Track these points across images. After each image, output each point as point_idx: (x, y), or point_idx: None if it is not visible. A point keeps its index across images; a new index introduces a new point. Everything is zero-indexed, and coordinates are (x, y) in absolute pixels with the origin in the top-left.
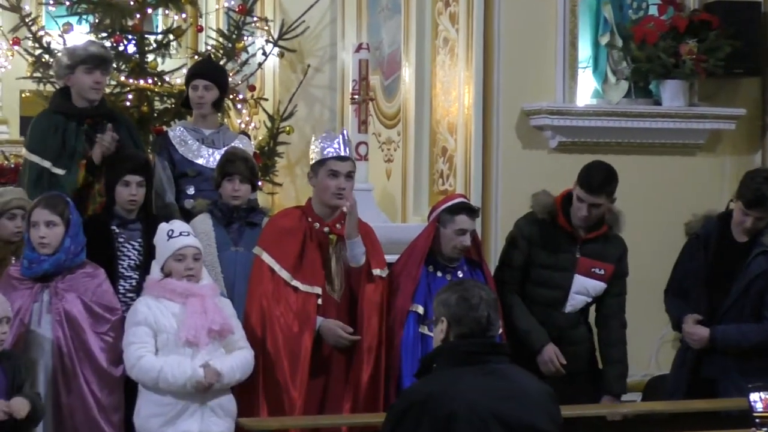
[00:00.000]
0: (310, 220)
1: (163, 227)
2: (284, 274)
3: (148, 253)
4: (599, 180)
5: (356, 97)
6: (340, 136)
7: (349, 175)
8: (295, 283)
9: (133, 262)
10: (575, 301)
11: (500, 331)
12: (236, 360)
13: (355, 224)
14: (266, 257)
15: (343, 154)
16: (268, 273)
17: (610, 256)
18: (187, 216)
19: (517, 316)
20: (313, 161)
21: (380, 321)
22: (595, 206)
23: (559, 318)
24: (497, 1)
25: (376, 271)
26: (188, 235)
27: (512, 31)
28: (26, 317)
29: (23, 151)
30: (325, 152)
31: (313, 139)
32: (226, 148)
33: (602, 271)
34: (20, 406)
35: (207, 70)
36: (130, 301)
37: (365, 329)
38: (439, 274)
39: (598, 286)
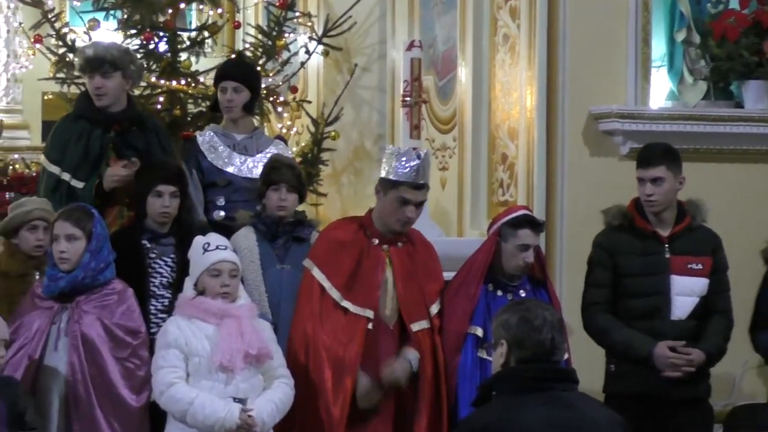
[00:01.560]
0: (368, 234)
1: (198, 240)
2: (334, 294)
3: (182, 270)
4: (654, 150)
5: (408, 99)
6: (421, 161)
7: (420, 205)
8: (345, 304)
9: (165, 279)
10: (680, 303)
11: (567, 356)
12: (277, 401)
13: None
14: (317, 273)
15: (420, 181)
16: (318, 291)
17: (703, 249)
18: (218, 230)
19: (613, 332)
20: (384, 177)
21: (433, 366)
22: (657, 181)
23: (665, 327)
24: None
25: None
26: (225, 249)
27: (579, 26)
28: (42, 340)
29: (41, 158)
30: (401, 174)
31: (389, 148)
32: (259, 154)
33: (700, 266)
34: None
35: (236, 70)
36: (161, 323)
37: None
38: (500, 293)
39: (700, 282)
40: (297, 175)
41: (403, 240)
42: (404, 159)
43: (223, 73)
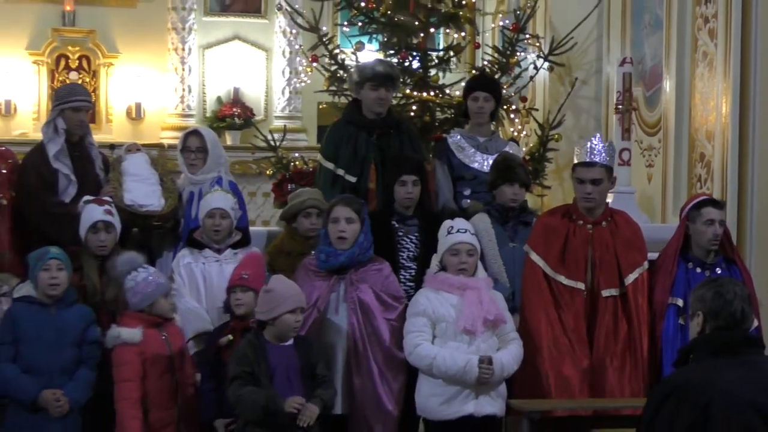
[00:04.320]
0: (574, 218)
1: (446, 223)
2: (549, 270)
3: (425, 246)
4: None
5: (620, 107)
6: (589, 142)
7: (596, 182)
8: (559, 278)
9: (411, 254)
10: None
11: (756, 324)
12: (513, 354)
13: None
14: (534, 256)
15: (587, 160)
16: (536, 269)
17: None
18: (464, 216)
19: None
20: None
21: (627, 327)
22: None
23: None
24: (754, 18)
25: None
26: (465, 232)
27: None
28: (323, 305)
29: (318, 156)
30: (576, 158)
31: (578, 140)
32: (497, 154)
33: None
34: (311, 412)
35: (487, 83)
36: (409, 290)
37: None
38: (698, 270)
39: None
40: (526, 172)
41: (607, 220)
42: (580, 144)
43: (476, 84)
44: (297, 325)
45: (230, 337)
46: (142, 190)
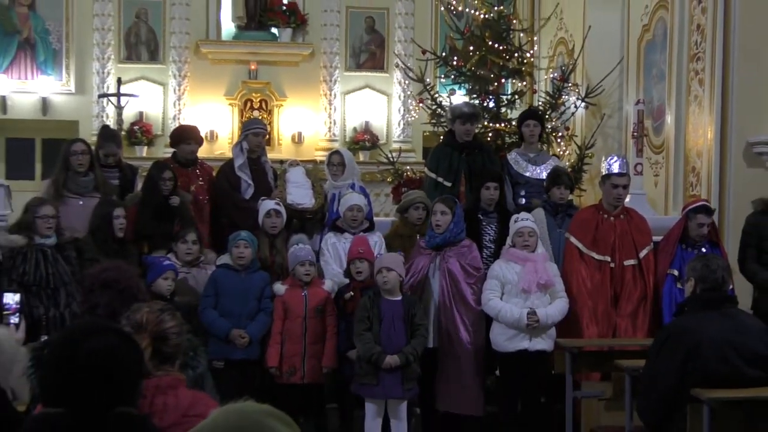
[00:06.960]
0: (601, 213)
1: (513, 217)
2: (584, 249)
3: (501, 232)
4: None
5: (635, 134)
6: (621, 159)
7: (625, 186)
8: (591, 253)
9: (491, 237)
10: None
11: (731, 286)
12: (557, 308)
13: None
14: (573, 240)
15: (623, 171)
16: (573, 249)
17: None
18: (525, 210)
19: (759, 274)
20: (602, 174)
21: (641, 289)
22: None
23: None
24: (732, 72)
25: (641, 254)
26: (527, 220)
27: (743, 89)
28: (425, 272)
29: (425, 169)
30: (610, 169)
31: (603, 158)
32: (544, 165)
33: None
34: (391, 361)
35: (535, 113)
36: (490, 262)
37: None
38: (689, 250)
39: None
40: (570, 179)
41: (624, 214)
42: (609, 161)
43: (527, 115)
44: (387, 284)
45: (351, 293)
46: (300, 193)
